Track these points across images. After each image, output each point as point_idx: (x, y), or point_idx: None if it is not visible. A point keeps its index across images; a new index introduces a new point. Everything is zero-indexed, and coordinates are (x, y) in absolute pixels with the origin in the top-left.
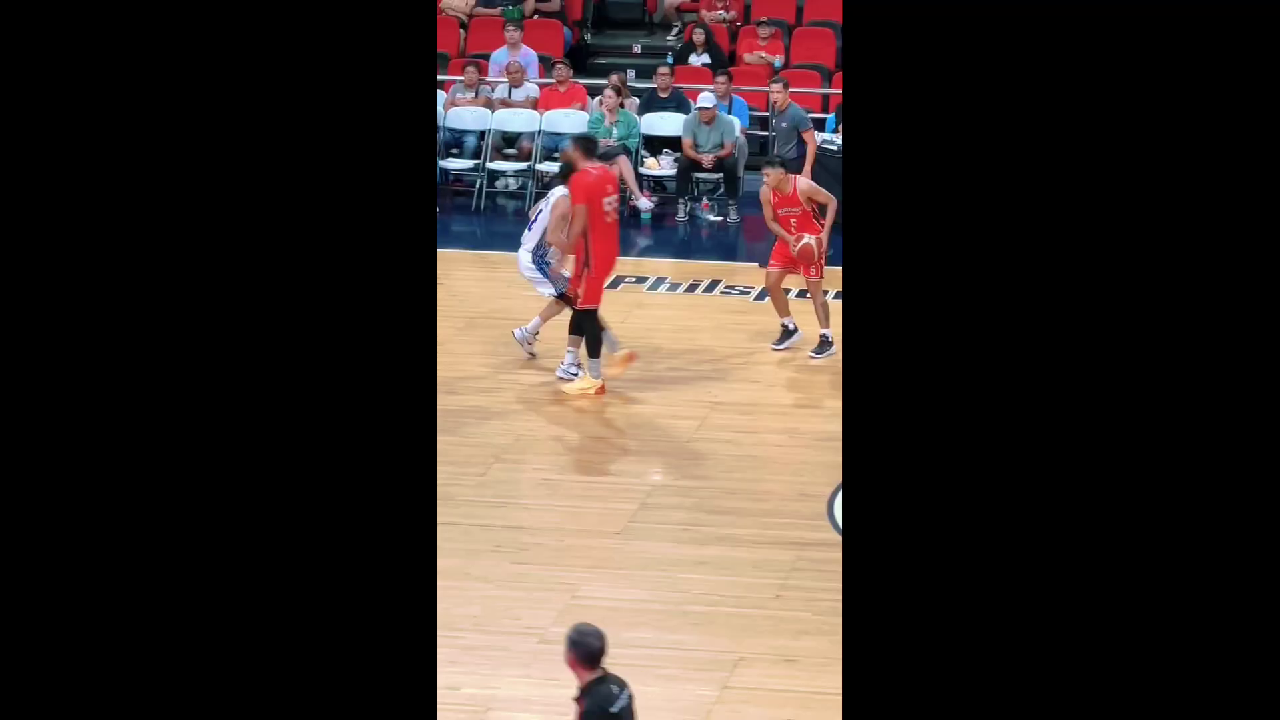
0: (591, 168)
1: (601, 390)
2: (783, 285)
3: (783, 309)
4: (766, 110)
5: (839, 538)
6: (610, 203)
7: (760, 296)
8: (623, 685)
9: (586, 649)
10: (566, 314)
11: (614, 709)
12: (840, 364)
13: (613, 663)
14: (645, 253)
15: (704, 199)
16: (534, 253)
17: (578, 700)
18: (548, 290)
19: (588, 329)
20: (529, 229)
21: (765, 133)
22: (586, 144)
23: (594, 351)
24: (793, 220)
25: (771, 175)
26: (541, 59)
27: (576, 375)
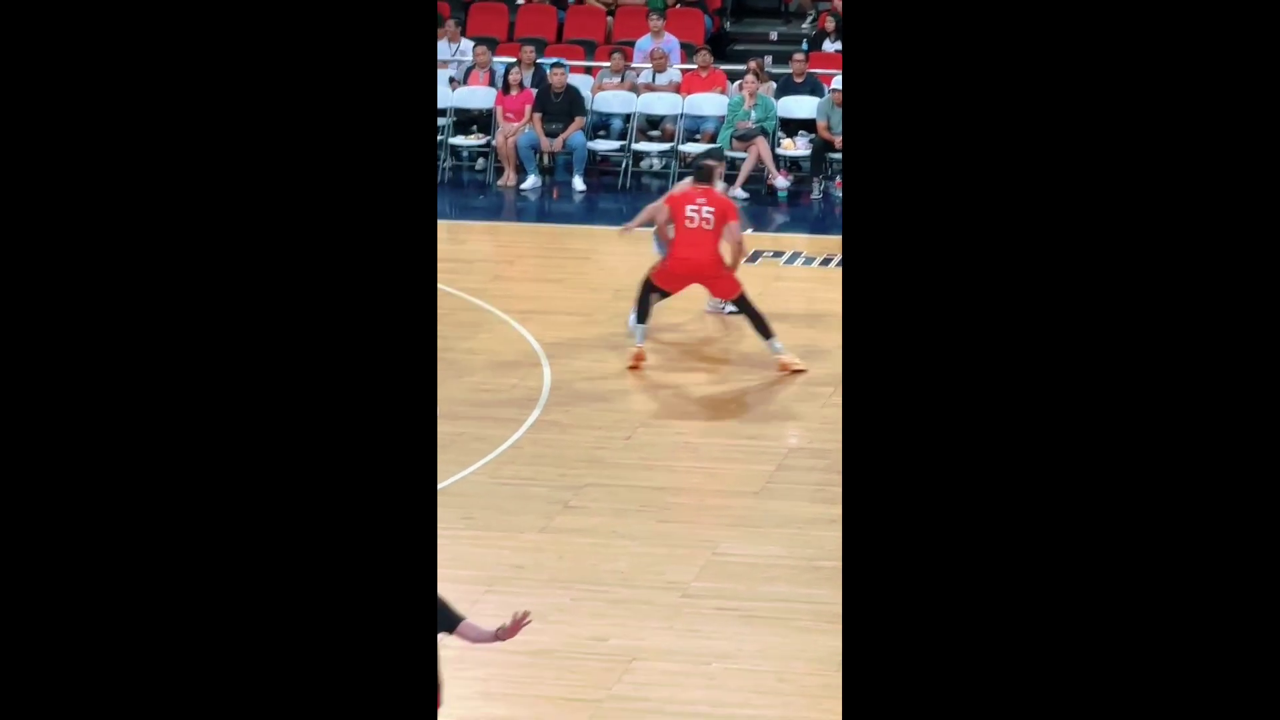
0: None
1: (639, 357)
2: None
3: None
4: None
5: None
6: (694, 210)
7: None
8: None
9: None
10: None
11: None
12: None
13: (750, 614)
14: (782, 229)
15: (837, 178)
16: None
17: None
18: None
19: (643, 299)
20: None
21: None
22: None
23: (641, 317)
24: None
25: None
26: (683, 46)
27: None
